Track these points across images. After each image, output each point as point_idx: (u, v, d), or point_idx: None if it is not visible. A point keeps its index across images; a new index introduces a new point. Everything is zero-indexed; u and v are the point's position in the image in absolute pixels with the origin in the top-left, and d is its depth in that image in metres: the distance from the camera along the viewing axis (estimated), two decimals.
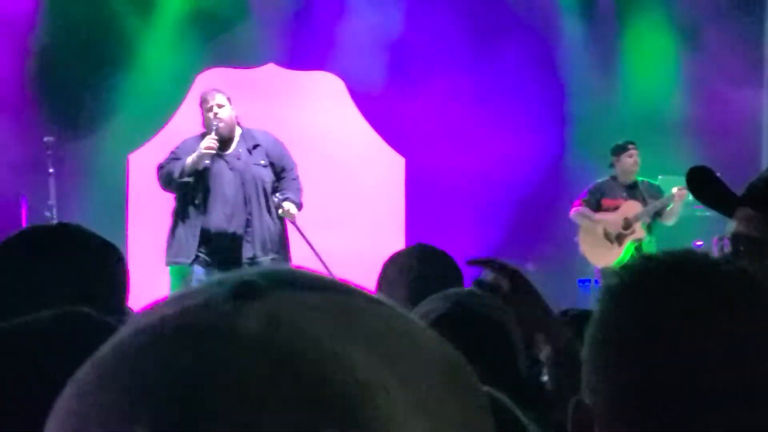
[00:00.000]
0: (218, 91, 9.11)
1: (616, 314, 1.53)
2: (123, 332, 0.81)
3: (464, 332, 2.82)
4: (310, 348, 0.76)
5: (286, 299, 0.80)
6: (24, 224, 10.88)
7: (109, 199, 12.23)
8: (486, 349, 2.81)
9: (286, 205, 8.86)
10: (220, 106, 8.92)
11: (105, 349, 0.80)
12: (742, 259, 2.28)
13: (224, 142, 8.91)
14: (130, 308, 2.53)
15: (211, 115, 8.90)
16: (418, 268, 3.68)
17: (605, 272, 10.38)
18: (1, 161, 11.04)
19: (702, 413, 1.45)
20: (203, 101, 9.08)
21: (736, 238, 2.59)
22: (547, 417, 2.62)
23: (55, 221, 9.96)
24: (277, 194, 8.90)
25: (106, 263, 2.39)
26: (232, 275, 0.84)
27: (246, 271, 0.83)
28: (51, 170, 10.15)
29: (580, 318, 4.46)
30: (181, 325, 0.79)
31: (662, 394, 1.46)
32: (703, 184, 2.73)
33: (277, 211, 8.90)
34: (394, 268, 3.73)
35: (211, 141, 8.73)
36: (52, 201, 10.15)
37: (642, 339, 1.48)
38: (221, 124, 8.85)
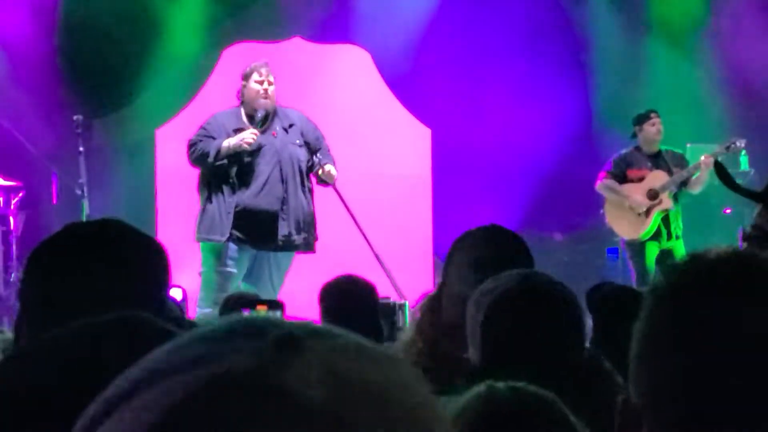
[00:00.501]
0: (269, 66, 9.01)
1: (664, 314, 1.55)
2: (167, 385, 0.81)
3: (530, 307, 2.89)
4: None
5: (328, 351, 0.82)
6: (55, 201, 10.98)
7: (138, 174, 12.28)
8: (552, 325, 2.86)
9: (327, 167, 8.85)
10: (270, 83, 8.88)
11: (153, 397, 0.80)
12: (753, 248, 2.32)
13: (262, 120, 8.88)
14: (172, 300, 2.56)
15: (260, 89, 8.84)
16: (487, 249, 3.56)
17: (659, 262, 10.30)
18: (32, 140, 11.03)
19: (747, 414, 1.48)
20: (254, 71, 8.95)
21: (754, 228, 2.65)
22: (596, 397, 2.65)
23: (85, 199, 10.06)
24: (317, 155, 8.87)
25: (149, 259, 2.42)
26: (259, 322, 0.85)
27: (275, 322, 0.84)
28: (81, 148, 10.16)
29: (615, 295, 4.48)
30: (232, 385, 0.79)
31: (707, 393, 1.49)
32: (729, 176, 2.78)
33: (309, 189, 8.92)
34: (462, 248, 3.61)
35: (251, 136, 8.67)
36: (82, 179, 10.13)
37: (688, 339, 1.51)
38: (268, 102, 8.84)
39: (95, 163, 11.11)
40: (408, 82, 12.84)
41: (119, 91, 12.25)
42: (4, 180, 11.24)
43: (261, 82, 8.85)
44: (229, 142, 8.68)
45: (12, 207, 11.27)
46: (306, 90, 11.85)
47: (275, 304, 4.98)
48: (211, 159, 8.70)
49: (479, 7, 12.78)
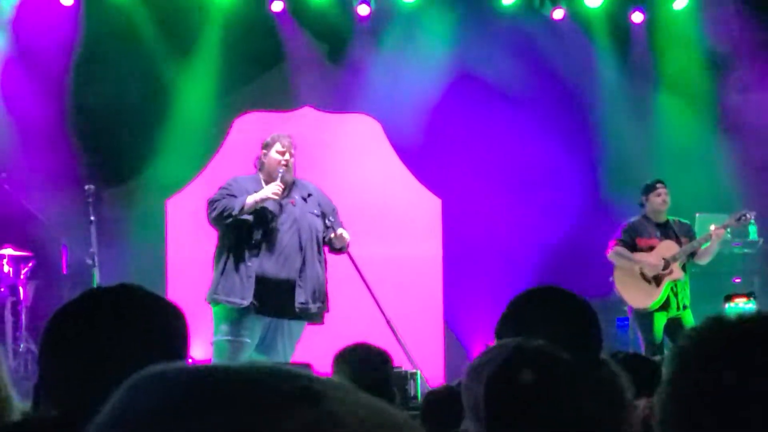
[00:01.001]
0: (291, 138, 9.01)
1: (690, 377, 1.56)
2: None
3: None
4: None
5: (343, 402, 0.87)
6: (65, 271, 10.99)
7: (149, 244, 12.29)
8: (553, 391, 2.84)
9: (340, 230, 8.86)
10: (292, 155, 8.89)
11: None
12: None
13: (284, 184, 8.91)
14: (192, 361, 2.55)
15: (281, 159, 8.83)
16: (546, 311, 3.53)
17: (668, 332, 10.31)
18: (43, 210, 11.10)
19: None
20: (277, 142, 8.93)
21: None
22: None
23: (96, 269, 10.07)
24: (329, 218, 8.89)
25: (168, 323, 2.42)
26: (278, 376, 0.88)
27: (295, 373, 0.88)
28: (92, 218, 10.18)
29: (630, 361, 4.48)
30: None
31: None
32: None
33: (322, 259, 8.91)
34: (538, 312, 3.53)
35: (278, 188, 8.66)
36: (93, 248, 10.16)
37: (713, 398, 1.52)
38: (288, 174, 8.84)
39: (106, 232, 11.12)
40: (418, 152, 12.89)
41: (130, 160, 12.30)
42: (15, 250, 11.25)
43: (282, 153, 8.85)
44: (254, 197, 8.66)
45: (22, 277, 11.28)
46: (317, 159, 11.89)
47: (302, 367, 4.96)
48: (236, 212, 8.64)
49: (489, 77, 12.86)
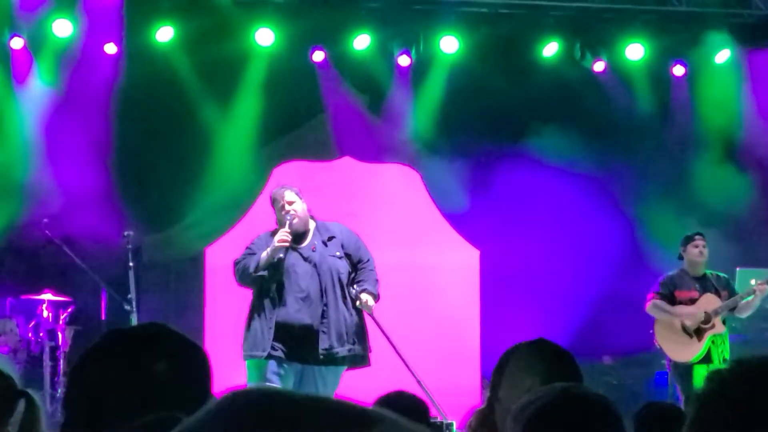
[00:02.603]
0: (286, 187, 9.06)
1: (712, 418, 1.57)
2: None
3: (572, 419, 2.85)
4: None
5: None
6: (103, 317, 11.04)
7: (187, 292, 12.34)
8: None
9: (364, 296, 8.79)
10: (290, 203, 8.89)
11: None
12: None
13: (299, 235, 8.90)
14: None
15: (283, 213, 8.87)
16: (541, 364, 3.60)
17: (707, 375, 10.22)
18: (84, 255, 11.12)
19: None
20: (273, 200, 9.04)
21: None
22: None
23: (134, 314, 10.10)
24: (355, 286, 8.85)
25: (194, 365, 2.41)
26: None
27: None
28: (131, 264, 10.23)
29: (664, 412, 4.46)
30: None
31: None
32: None
33: (353, 302, 8.85)
34: (513, 363, 3.65)
35: (284, 234, 8.71)
36: (131, 294, 10.21)
37: None
38: (295, 220, 8.84)
39: (145, 279, 11.18)
40: (457, 203, 12.90)
41: (169, 208, 12.37)
42: (54, 295, 11.35)
43: (282, 209, 8.90)
44: (266, 251, 8.75)
45: (60, 322, 11.36)
46: (356, 208, 11.95)
47: None
48: (251, 271, 8.75)
49: (528, 129, 12.89)
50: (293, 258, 8.83)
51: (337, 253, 8.91)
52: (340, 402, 1.05)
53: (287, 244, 8.73)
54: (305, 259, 8.86)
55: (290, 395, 1.05)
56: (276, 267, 8.79)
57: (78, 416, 2.33)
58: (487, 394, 3.72)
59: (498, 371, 3.68)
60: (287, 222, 8.79)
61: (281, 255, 8.75)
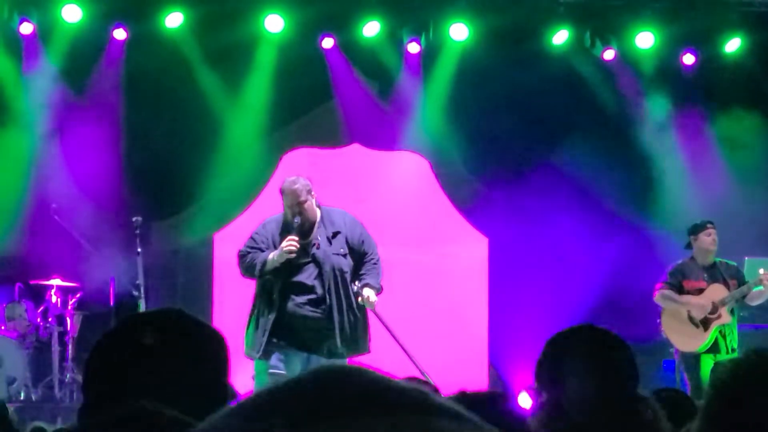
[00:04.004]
0: (297, 183, 8.82)
1: (723, 402, 1.60)
2: None
3: None
4: None
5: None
6: (112, 303, 11.07)
7: (195, 278, 12.37)
8: None
9: (366, 292, 8.70)
10: (302, 204, 8.73)
11: None
12: None
13: (304, 231, 8.77)
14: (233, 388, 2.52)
15: (291, 212, 8.75)
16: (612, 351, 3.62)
17: (715, 366, 10.22)
18: (92, 240, 11.21)
19: None
20: (283, 194, 8.85)
21: None
22: None
23: (142, 300, 10.13)
24: (356, 282, 8.77)
25: (209, 347, 2.42)
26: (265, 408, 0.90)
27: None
28: (139, 249, 10.26)
29: (673, 398, 4.46)
30: None
31: None
32: None
33: (357, 300, 8.78)
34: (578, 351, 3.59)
35: (291, 244, 8.59)
36: (139, 280, 10.24)
37: (748, 425, 1.55)
38: (304, 221, 8.74)
39: (153, 265, 11.19)
40: (466, 191, 12.92)
41: (178, 194, 12.40)
42: (63, 281, 11.39)
43: (290, 206, 8.75)
44: (273, 255, 8.66)
45: (69, 308, 11.41)
46: (364, 196, 11.98)
47: None
48: (257, 273, 8.74)
49: (538, 116, 12.89)
50: (298, 256, 8.71)
51: (342, 250, 8.81)
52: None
53: (294, 255, 8.62)
54: (310, 257, 8.77)
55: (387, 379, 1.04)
56: (277, 271, 8.71)
57: (98, 397, 2.33)
58: (545, 392, 3.58)
59: (553, 365, 3.59)
60: (296, 225, 8.69)
61: (290, 259, 8.66)
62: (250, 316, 8.84)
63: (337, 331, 8.67)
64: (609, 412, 3.41)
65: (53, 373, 11.31)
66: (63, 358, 11.34)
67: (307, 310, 8.70)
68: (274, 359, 8.68)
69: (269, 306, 8.70)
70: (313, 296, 8.71)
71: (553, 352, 3.61)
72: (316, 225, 8.84)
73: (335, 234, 8.83)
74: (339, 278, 8.74)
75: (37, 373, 11.33)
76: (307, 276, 8.74)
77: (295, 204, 8.71)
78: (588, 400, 3.39)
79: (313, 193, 8.86)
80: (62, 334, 11.38)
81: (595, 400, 3.42)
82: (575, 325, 3.74)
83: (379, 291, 8.81)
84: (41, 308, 11.41)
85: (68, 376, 11.22)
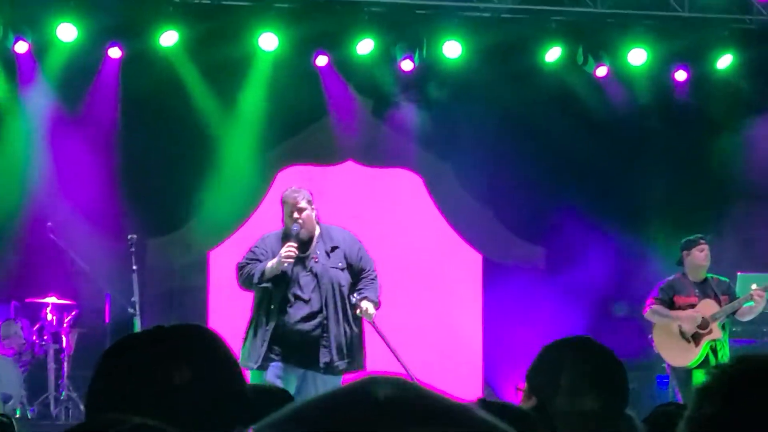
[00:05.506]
0: (300, 192, 8.96)
1: (711, 411, 1.59)
2: None
3: None
4: None
5: None
6: (107, 320, 11.10)
7: (190, 295, 12.42)
8: None
9: (364, 304, 8.74)
10: (301, 211, 8.82)
11: None
12: None
13: (304, 243, 8.84)
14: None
15: (291, 219, 8.83)
16: (606, 364, 3.60)
17: (708, 371, 10.22)
18: (88, 258, 11.20)
19: None
20: (284, 202, 8.96)
21: None
22: None
23: (137, 317, 10.17)
24: (355, 294, 8.81)
25: (220, 368, 2.36)
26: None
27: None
28: (134, 267, 10.30)
29: (673, 413, 4.46)
30: None
31: None
32: None
33: (353, 314, 8.82)
34: (572, 363, 3.59)
35: (290, 250, 8.66)
36: (135, 297, 10.27)
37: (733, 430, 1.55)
38: (302, 230, 8.81)
39: (148, 282, 11.23)
40: (460, 207, 12.97)
41: (173, 211, 12.45)
42: (59, 299, 11.44)
43: (291, 213, 8.83)
44: (272, 263, 8.72)
45: (65, 325, 11.45)
46: (358, 212, 12.02)
47: None
48: (256, 281, 8.76)
49: (531, 132, 12.97)
50: (296, 269, 8.80)
51: (340, 265, 8.87)
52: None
53: (292, 260, 8.69)
54: (308, 270, 8.82)
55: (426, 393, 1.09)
56: (279, 277, 8.77)
57: (100, 411, 2.32)
58: (534, 396, 3.60)
59: (549, 371, 3.60)
60: (294, 232, 8.76)
61: (286, 266, 8.72)
62: (248, 327, 8.86)
63: (333, 344, 8.71)
64: (595, 427, 3.43)
65: (49, 391, 11.33)
66: (59, 375, 11.36)
67: (305, 323, 8.73)
68: (271, 375, 8.69)
69: (268, 317, 8.74)
70: (310, 309, 8.74)
71: (550, 359, 3.62)
72: (315, 239, 8.89)
73: (334, 248, 8.90)
74: (336, 292, 8.79)
75: (33, 391, 11.35)
76: (305, 289, 8.78)
77: (296, 210, 8.78)
78: (578, 411, 3.41)
79: (313, 206, 8.92)
80: (58, 352, 11.41)
81: (585, 413, 3.43)
82: (574, 335, 3.77)
83: (377, 306, 8.84)
84: (37, 326, 11.44)
85: (64, 393, 11.25)
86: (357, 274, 8.91)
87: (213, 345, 2.37)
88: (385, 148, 12.97)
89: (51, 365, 11.35)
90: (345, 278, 8.85)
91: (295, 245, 8.68)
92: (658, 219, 12.89)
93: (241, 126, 12.70)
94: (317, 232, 8.94)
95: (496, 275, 12.96)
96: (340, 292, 8.81)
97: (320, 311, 8.75)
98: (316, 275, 8.80)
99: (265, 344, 8.67)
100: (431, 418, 1.05)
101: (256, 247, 8.98)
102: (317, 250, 8.88)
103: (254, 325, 8.83)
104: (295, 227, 8.78)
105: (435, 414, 1.05)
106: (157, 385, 2.26)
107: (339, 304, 8.79)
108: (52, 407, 11.29)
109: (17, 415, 10.93)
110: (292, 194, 8.93)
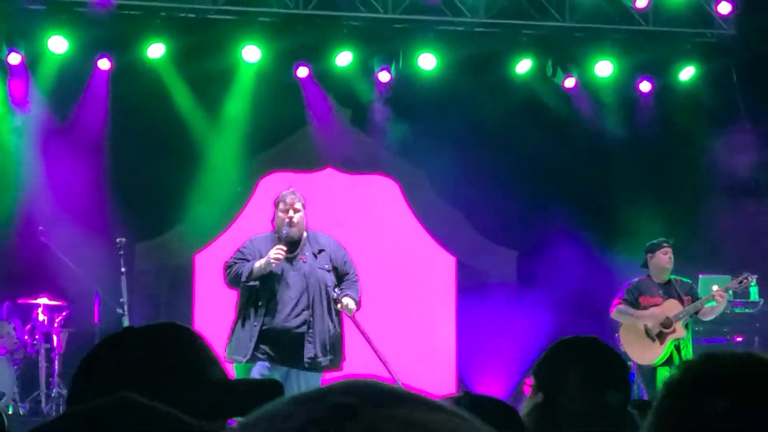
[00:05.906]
0: (297, 195, 9.18)
1: (674, 406, 1.64)
2: None
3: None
4: None
5: (380, 418, 0.95)
6: (97, 320, 11.23)
7: (177, 296, 12.65)
8: None
9: (346, 300, 8.97)
10: (296, 211, 9.06)
11: None
12: None
13: (292, 243, 9.06)
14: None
15: (285, 217, 9.04)
16: (612, 364, 3.70)
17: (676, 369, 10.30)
18: (78, 261, 11.36)
19: None
20: (279, 200, 9.17)
21: None
22: None
23: (125, 317, 10.37)
24: (336, 289, 9.02)
25: (201, 361, 2.27)
26: (321, 393, 0.98)
27: (336, 390, 0.99)
28: (123, 269, 10.48)
29: (640, 406, 4.63)
30: None
31: None
32: None
33: (336, 312, 9.05)
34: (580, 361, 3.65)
35: (279, 252, 8.87)
36: (123, 299, 10.46)
37: (696, 425, 1.60)
38: (294, 230, 9.03)
39: (136, 284, 11.41)
40: (434, 212, 13.22)
41: (161, 216, 12.65)
42: (50, 300, 11.60)
43: (285, 211, 9.06)
44: (260, 263, 8.92)
45: (56, 325, 11.59)
46: (338, 217, 12.22)
47: None
48: (243, 279, 8.95)
49: (502, 140, 13.23)
50: (284, 268, 8.99)
51: (326, 266, 9.09)
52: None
53: (279, 261, 8.89)
54: (296, 270, 9.03)
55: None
56: (267, 276, 8.95)
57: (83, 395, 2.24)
58: (542, 393, 3.63)
59: (558, 368, 3.65)
60: (284, 232, 8.99)
61: (273, 265, 8.92)
62: (235, 322, 9.04)
63: (317, 340, 8.94)
64: (603, 424, 3.53)
65: (40, 389, 11.50)
66: (50, 373, 11.52)
67: (291, 321, 8.95)
68: (257, 372, 8.88)
69: (256, 313, 8.94)
70: (297, 307, 8.97)
71: (558, 357, 3.66)
72: (303, 241, 9.13)
73: (320, 251, 9.16)
74: (323, 291, 9.04)
75: (24, 389, 11.52)
76: (293, 287, 9.00)
77: (292, 209, 9.03)
78: (586, 408, 3.51)
79: (305, 210, 9.20)
80: (49, 351, 11.55)
81: (592, 409, 3.52)
82: (582, 335, 3.82)
83: (357, 305, 9.10)
84: (29, 326, 11.58)
85: (55, 391, 11.41)
86: (341, 277, 9.18)
87: (188, 340, 2.27)
88: (364, 156, 13.20)
89: (42, 364, 11.49)
90: (331, 279, 9.11)
91: (285, 248, 8.91)
92: (625, 223, 13.06)
93: (225, 134, 12.93)
94: (305, 235, 9.18)
95: (469, 277, 13.22)
96: (326, 291, 9.06)
97: (306, 309, 8.97)
98: (304, 275, 9.04)
99: (254, 340, 8.87)
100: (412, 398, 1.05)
101: (245, 247, 9.18)
102: (305, 251, 9.12)
103: (241, 319, 9.01)
104: (285, 229, 9.01)
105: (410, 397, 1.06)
106: (134, 382, 2.12)
107: (324, 303, 9.03)
108: (43, 404, 11.45)
109: (9, 412, 10.99)
110: (290, 195, 9.18)
